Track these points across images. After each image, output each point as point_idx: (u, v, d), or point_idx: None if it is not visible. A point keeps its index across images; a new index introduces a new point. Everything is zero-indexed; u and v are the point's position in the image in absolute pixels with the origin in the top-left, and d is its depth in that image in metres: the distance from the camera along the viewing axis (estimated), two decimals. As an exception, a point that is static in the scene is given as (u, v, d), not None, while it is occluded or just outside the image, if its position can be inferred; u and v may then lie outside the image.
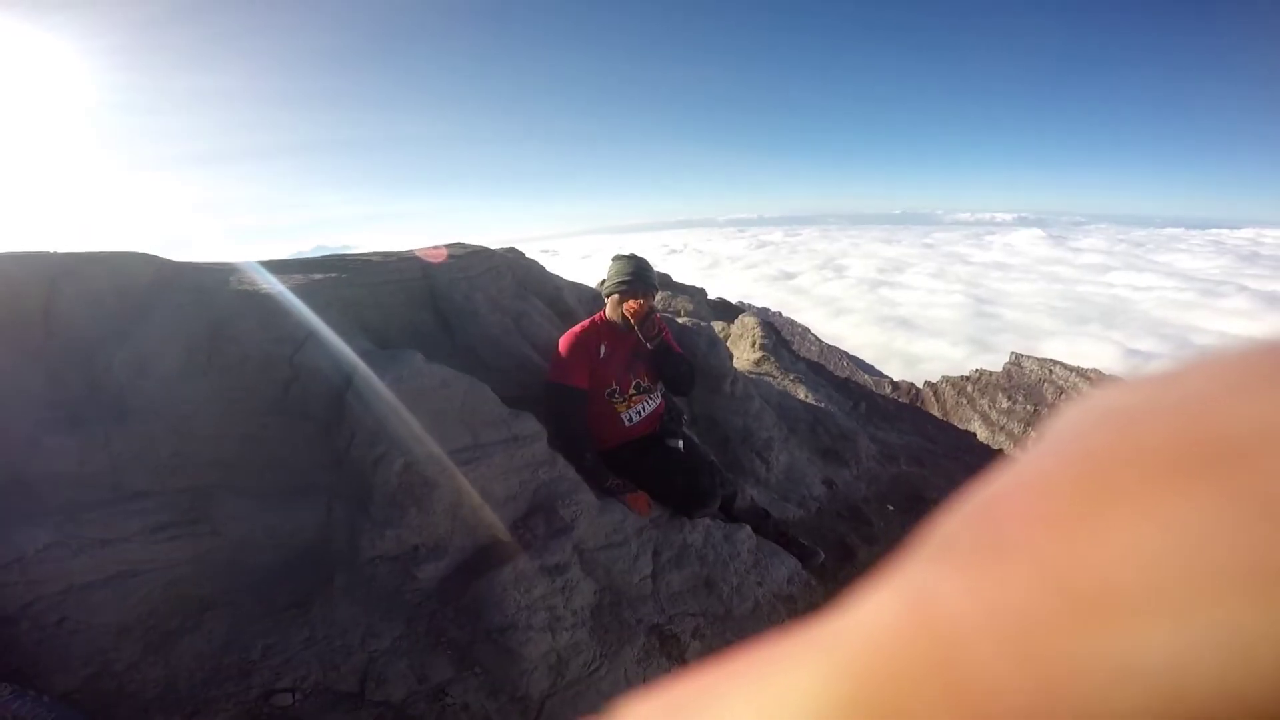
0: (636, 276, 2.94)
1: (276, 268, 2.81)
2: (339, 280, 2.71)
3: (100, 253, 2.57)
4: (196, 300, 2.37)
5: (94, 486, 2.61)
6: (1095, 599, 0.12)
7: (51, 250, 2.56)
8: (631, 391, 2.95)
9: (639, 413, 2.96)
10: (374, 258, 3.17)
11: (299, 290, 2.53)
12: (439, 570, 2.29)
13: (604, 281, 3.12)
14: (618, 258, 3.09)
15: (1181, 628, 0.11)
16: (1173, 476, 0.13)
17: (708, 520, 3.03)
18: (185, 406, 2.36)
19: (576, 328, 2.95)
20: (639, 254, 3.09)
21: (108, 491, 2.62)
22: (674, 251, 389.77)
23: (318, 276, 2.70)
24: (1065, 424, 0.16)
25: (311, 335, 2.30)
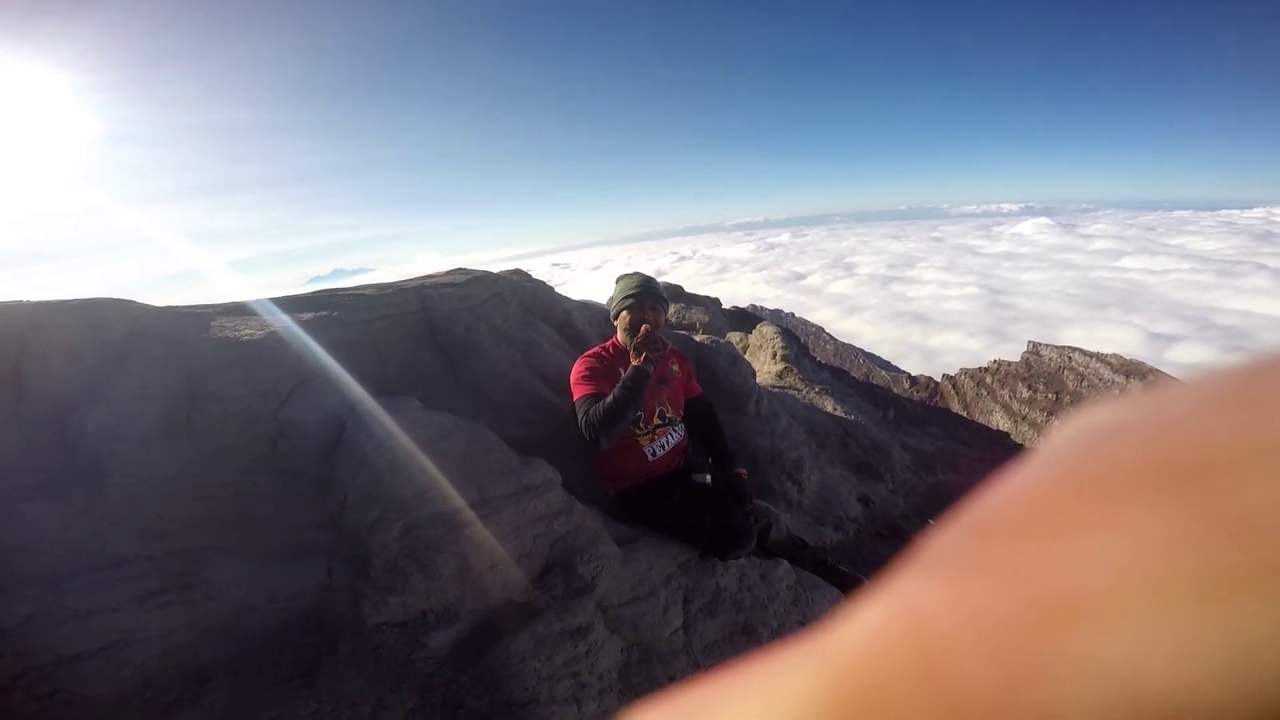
0: (643, 290, 2.71)
1: (268, 309, 2.62)
2: (329, 320, 2.50)
3: (74, 302, 2.39)
4: (174, 352, 2.18)
5: (76, 554, 2.43)
6: (1065, 606, 0.13)
7: (22, 300, 2.39)
8: (656, 422, 2.70)
9: (663, 446, 2.71)
10: (367, 291, 2.97)
11: (287, 334, 2.33)
12: (451, 637, 2.06)
13: (612, 301, 2.90)
14: (622, 276, 2.87)
15: (1141, 633, 0.12)
16: (1143, 492, 0.14)
17: (742, 560, 2.76)
18: (168, 467, 2.16)
19: (589, 352, 2.72)
20: (642, 270, 2.86)
21: (91, 559, 2.44)
22: (683, 259, 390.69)
23: (307, 316, 2.49)
24: (1052, 443, 0.17)
25: (298, 386, 2.09)
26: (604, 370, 2.56)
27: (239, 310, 2.57)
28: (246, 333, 2.27)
